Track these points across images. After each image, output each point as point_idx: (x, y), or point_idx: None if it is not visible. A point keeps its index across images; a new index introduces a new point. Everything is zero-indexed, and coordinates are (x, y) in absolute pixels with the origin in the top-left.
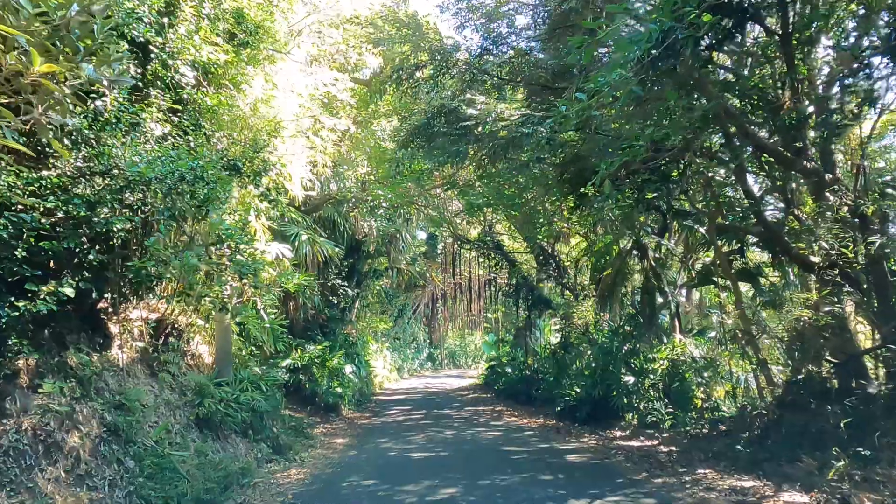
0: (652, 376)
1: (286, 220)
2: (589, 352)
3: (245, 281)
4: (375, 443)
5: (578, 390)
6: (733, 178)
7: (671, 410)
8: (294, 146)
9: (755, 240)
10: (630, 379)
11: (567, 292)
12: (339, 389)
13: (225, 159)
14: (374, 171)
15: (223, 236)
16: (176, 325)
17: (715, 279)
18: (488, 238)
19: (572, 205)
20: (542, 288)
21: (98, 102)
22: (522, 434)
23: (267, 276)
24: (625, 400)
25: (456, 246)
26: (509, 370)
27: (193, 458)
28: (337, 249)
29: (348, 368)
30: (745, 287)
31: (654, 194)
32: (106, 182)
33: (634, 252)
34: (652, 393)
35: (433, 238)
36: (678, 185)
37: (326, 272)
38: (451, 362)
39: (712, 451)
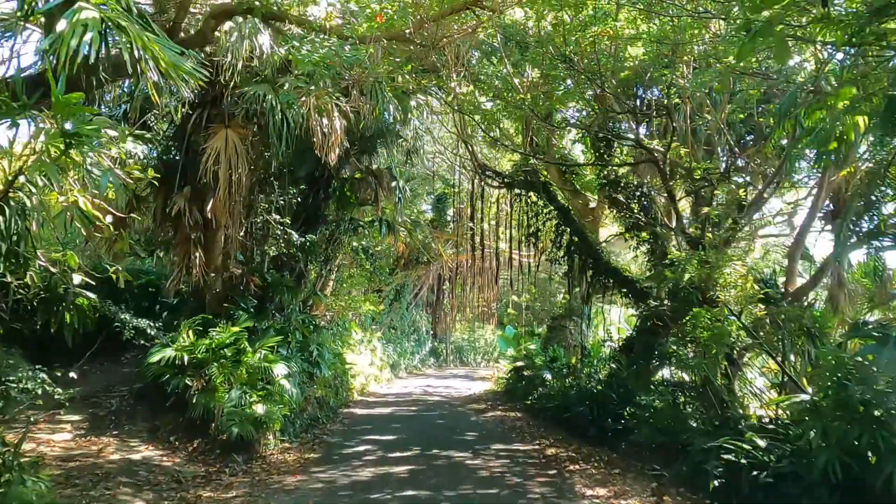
0: None
1: None
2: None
3: None
4: None
5: (761, 444)
6: None
7: None
8: None
9: None
10: None
11: (702, 247)
12: (257, 408)
13: None
14: None
15: None
16: None
17: None
18: (530, 165)
19: None
20: (603, 250)
21: None
22: None
23: None
24: None
25: (477, 186)
26: (548, 376)
27: None
28: (189, 66)
29: (280, 369)
30: None
31: None
32: None
33: None
34: None
35: (442, 200)
36: None
37: (252, 200)
38: (458, 359)
39: None
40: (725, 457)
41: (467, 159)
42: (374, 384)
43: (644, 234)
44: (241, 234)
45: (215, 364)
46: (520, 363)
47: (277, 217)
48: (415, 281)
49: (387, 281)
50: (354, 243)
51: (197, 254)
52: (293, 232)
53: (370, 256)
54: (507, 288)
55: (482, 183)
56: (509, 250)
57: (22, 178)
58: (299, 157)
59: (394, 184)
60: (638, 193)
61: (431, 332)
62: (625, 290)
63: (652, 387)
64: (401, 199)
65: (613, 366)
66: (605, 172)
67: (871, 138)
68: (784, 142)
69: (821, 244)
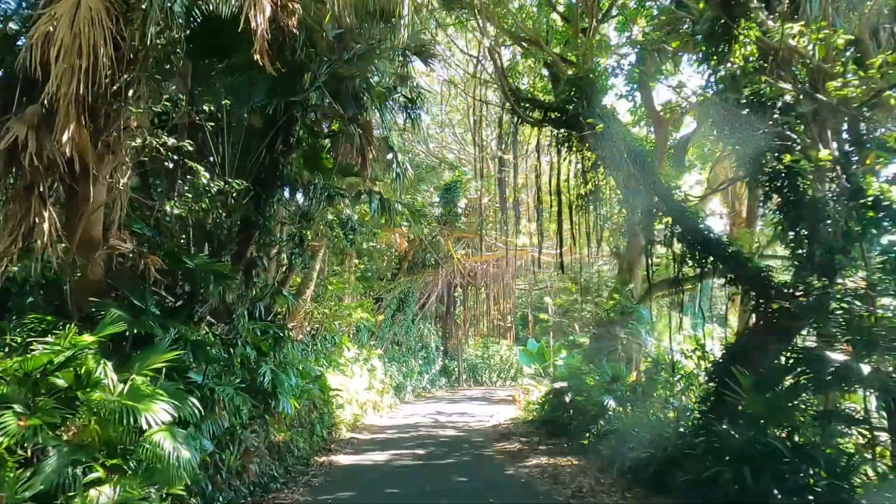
0: None
1: None
2: None
3: None
4: None
5: None
6: None
7: None
8: None
9: None
10: None
11: None
12: (100, 494)
13: None
14: None
15: None
16: None
17: None
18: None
19: None
20: (698, 214)
21: None
22: None
23: None
24: None
25: (512, 121)
26: (611, 403)
27: None
28: None
29: (160, 412)
30: None
31: None
32: None
33: None
34: None
35: (452, 190)
36: None
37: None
38: (472, 378)
39: None
40: None
41: (490, 79)
42: (373, 413)
43: (825, 154)
44: (127, 181)
45: (13, 408)
46: (560, 384)
47: (172, 140)
48: (421, 288)
49: (387, 287)
50: (330, 216)
51: (45, 214)
52: (201, 168)
53: (350, 231)
54: (527, 298)
55: (516, 117)
56: (558, 221)
57: None
58: (243, 85)
59: (390, 156)
60: (780, 105)
61: (442, 349)
62: (731, 273)
63: (801, 419)
64: (399, 176)
65: (710, 385)
66: (723, 68)
67: None
68: None
69: None
